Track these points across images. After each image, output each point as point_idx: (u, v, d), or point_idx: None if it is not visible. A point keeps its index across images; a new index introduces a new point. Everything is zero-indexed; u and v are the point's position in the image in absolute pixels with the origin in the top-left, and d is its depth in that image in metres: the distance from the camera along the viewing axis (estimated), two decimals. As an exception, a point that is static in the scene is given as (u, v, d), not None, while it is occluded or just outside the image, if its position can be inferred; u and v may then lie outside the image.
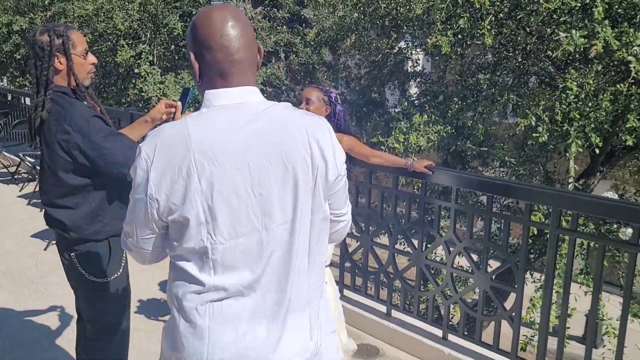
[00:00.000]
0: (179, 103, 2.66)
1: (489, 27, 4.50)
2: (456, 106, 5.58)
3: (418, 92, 9.43)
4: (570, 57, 5.67)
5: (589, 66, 5.39)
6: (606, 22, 4.43)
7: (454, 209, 3.41)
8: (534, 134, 5.08)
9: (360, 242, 4.02)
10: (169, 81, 10.01)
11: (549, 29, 4.75)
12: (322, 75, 12.07)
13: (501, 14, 4.67)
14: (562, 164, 7.63)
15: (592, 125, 5.31)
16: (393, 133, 5.37)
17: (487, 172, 7.05)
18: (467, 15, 4.85)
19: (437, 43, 4.70)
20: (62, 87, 2.25)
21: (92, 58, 2.32)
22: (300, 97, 3.26)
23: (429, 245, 3.85)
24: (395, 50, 9.61)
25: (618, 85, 5.47)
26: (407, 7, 6.49)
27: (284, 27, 10.57)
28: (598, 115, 5.29)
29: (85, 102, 2.30)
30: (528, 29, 5.52)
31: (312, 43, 10.45)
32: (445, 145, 5.59)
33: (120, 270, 2.43)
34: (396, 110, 9.70)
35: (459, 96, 5.73)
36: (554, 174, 7.09)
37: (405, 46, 9.71)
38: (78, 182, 2.24)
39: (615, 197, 8.46)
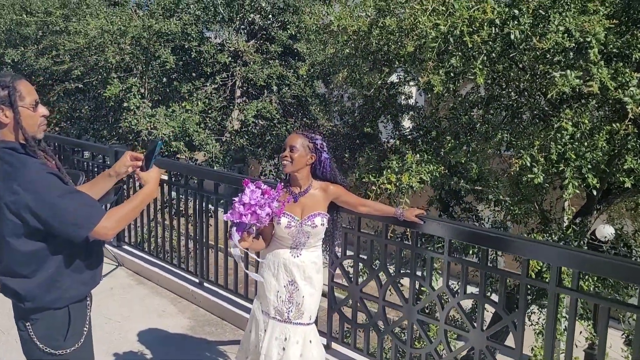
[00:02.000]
0: (146, 155, 2.49)
1: (480, 67, 4.39)
2: (449, 144, 5.44)
3: (411, 127, 9.34)
4: (565, 95, 5.57)
5: (584, 105, 5.28)
6: (601, 62, 4.33)
7: (447, 261, 3.22)
8: (529, 175, 4.92)
9: (349, 292, 3.82)
10: (159, 114, 9.89)
11: (542, 67, 4.64)
12: (315, 108, 11.99)
13: (493, 53, 4.57)
14: (558, 201, 7.49)
15: (589, 166, 5.16)
16: (385, 173, 5.21)
17: (482, 208, 6.88)
18: (459, 53, 4.74)
19: (430, 81, 4.58)
20: (9, 143, 2.06)
21: (42, 110, 2.13)
22: (283, 144, 3.10)
23: (421, 297, 3.64)
24: (387, 85, 9.56)
25: (613, 125, 5.36)
26: (399, 44, 6.40)
27: (277, 60, 10.52)
28: (595, 155, 5.15)
29: (37, 159, 2.11)
30: (521, 65, 5.42)
31: (304, 76, 10.40)
32: (438, 185, 5.42)
33: (82, 340, 2.22)
34: (389, 144, 9.59)
35: (452, 133, 5.60)
36: (550, 213, 6.93)
37: (397, 80, 9.66)
38: (31, 247, 2.04)
39: (612, 230, 8.29)
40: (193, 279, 5.19)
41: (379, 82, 9.35)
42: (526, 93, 5.45)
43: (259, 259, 3.16)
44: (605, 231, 8.21)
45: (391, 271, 3.58)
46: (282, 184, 3.14)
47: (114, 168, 2.55)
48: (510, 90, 5.50)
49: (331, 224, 3.21)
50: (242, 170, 11.77)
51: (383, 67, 8.85)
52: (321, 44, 8.38)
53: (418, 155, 5.35)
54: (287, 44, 10.54)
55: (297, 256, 3.13)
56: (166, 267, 5.53)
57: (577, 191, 5.24)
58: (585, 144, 5.11)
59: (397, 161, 5.29)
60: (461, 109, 5.83)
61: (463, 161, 5.36)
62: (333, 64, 8.03)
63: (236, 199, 2.95)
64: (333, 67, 8.12)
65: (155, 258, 5.63)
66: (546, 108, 5.45)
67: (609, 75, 4.24)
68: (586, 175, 5.18)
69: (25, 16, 11.78)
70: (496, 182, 6.04)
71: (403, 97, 9.54)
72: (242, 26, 11.35)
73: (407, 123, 11.01)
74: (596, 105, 5.49)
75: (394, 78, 9.69)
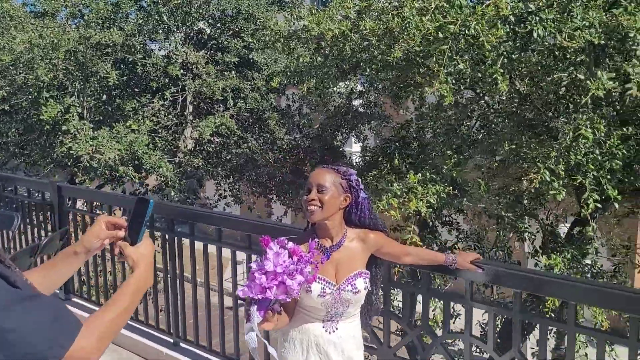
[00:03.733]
0: (130, 220, 1.68)
1: (501, 71, 3.76)
2: (451, 159, 4.80)
3: (382, 139, 8.73)
4: (569, 99, 5.06)
5: (598, 109, 4.78)
6: (635, 61, 3.80)
7: (519, 320, 2.53)
8: (551, 191, 4.35)
9: (378, 356, 3.06)
10: (102, 136, 8.80)
11: (562, 68, 4.07)
12: (273, 122, 11.19)
13: (513, 55, 3.96)
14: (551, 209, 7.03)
15: (608, 176, 4.66)
16: (385, 197, 4.50)
17: (460, 219, 6.29)
18: (468, 57, 4.11)
19: (439, 91, 3.91)
20: None
21: None
22: (307, 184, 2.32)
23: None
24: (356, 94, 8.92)
25: (624, 129, 4.90)
26: (383, 49, 5.74)
27: (233, 72, 9.65)
28: (614, 164, 4.65)
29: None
30: (525, 71, 4.86)
31: (262, 88, 9.60)
32: (444, 205, 4.78)
33: None
34: (366, 157, 8.92)
35: (451, 147, 4.98)
36: (551, 226, 6.43)
37: (363, 89, 9.04)
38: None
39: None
40: (166, 338, 4.27)
41: (347, 91, 8.73)
42: (527, 100, 4.90)
43: (272, 351, 2.24)
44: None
45: (438, 332, 2.85)
46: (308, 236, 2.36)
47: (82, 242, 1.71)
48: (514, 97, 4.92)
49: (372, 284, 2.45)
50: (197, 193, 10.77)
51: (352, 75, 8.21)
52: (285, 53, 7.62)
53: (420, 174, 4.66)
54: (242, 53, 9.69)
55: (333, 331, 2.35)
56: (130, 324, 4.56)
57: (599, 205, 4.73)
58: (599, 152, 4.61)
59: (397, 184, 4.58)
60: (460, 120, 5.21)
61: (468, 181, 4.74)
62: (301, 73, 7.29)
63: (254, 265, 2.14)
64: (300, 77, 7.36)
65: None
66: (552, 115, 4.91)
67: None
68: (605, 187, 4.68)
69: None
70: (497, 198, 5.46)
71: (372, 107, 8.90)
72: (190, 36, 10.41)
73: (372, 135, 10.42)
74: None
75: (358, 87, 9.08)
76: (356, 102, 8.81)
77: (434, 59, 4.08)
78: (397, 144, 7.44)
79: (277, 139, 11.25)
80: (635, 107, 4.96)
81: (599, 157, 4.45)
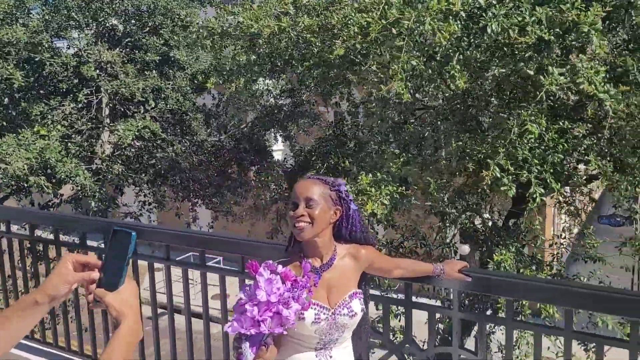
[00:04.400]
0: (106, 258, 1.38)
1: (458, 68, 3.68)
2: (400, 159, 4.69)
3: (316, 139, 8.54)
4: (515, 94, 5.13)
5: (539, 104, 4.86)
6: (582, 56, 3.86)
7: (510, 329, 2.42)
8: (502, 188, 4.35)
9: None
10: (8, 144, 7.96)
11: (512, 64, 4.06)
12: (196, 123, 10.68)
13: (468, 51, 3.89)
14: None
15: (551, 170, 4.75)
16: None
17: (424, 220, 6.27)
18: (421, 55, 4.00)
19: (396, 90, 3.76)
20: None
21: None
22: (293, 198, 2.06)
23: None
24: (286, 93, 8.68)
25: (560, 123, 5.03)
26: (321, 47, 5.55)
27: (154, 71, 9.05)
28: (556, 158, 4.75)
29: None
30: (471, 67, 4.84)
31: (185, 88, 9.10)
32: (395, 205, 4.66)
33: None
34: (291, 162, 8.69)
35: (398, 145, 4.88)
36: (486, 212, 6.53)
37: (293, 87, 8.80)
38: None
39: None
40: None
41: (277, 89, 8.47)
42: (481, 96, 4.90)
43: None
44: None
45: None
46: (295, 256, 2.10)
47: (45, 289, 1.39)
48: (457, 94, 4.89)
49: (365, 304, 2.23)
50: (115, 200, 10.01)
51: (283, 73, 7.96)
52: (213, 51, 7.23)
53: (370, 175, 4.51)
54: (162, 52, 9.11)
55: (327, 359, 2.12)
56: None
57: (544, 199, 4.82)
58: (545, 146, 4.70)
59: (349, 185, 4.40)
60: (404, 118, 5.12)
61: (417, 179, 4.65)
62: (231, 72, 6.92)
63: (243, 296, 1.86)
64: (230, 75, 7.00)
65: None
66: (494, 111, 4.94)
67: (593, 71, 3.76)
68: (549, 180, 4.77)
69: None
70: (441, 195, 5.44)
71: (303, 105, 8.68)
72: (102, 33, 9.67)
73: (301, 134, 10.21)
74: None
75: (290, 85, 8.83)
76: (287, 101, 8.56)
77: (388, 56, 3.93)
78: (332, 142, 7.29)
79: (202, 140, 10.77)
80: (567, 103, 5.11)
81: (544, 152, 4.52)
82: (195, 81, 9.31)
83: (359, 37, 5.11)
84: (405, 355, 2.63)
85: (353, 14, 4.92)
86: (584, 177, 5.80)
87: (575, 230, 8.48)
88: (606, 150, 5.00)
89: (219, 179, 11.18)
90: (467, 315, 2.61)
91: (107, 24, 9.77)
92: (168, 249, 2.97)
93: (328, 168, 7.41)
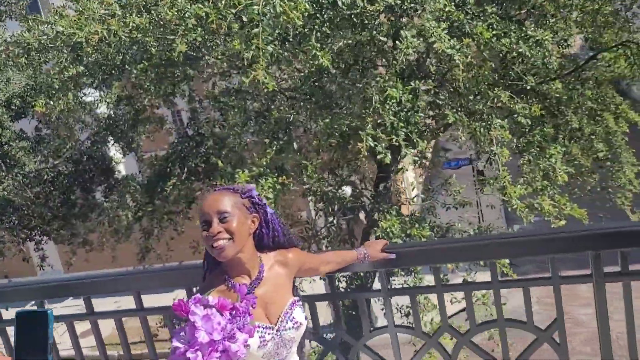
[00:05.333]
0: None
1: (318, 45, 3.58)
2: (273, 148, 4.52)
3: (170, 144, 8.00)
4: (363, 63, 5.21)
5: (391, 68, 4.99)
6: (427, 16, 3.98)
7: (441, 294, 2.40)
8: (379, 156, 4.40)
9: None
10: None
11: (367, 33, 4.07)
12: (22, 153, 9.43)
13: (324, 27, 3.79)
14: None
15: (415, 130, 4.93)
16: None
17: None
18: (274, 39, 3.82)
19: (259, 78, 3.55)
20: None
21: None
22: (203, 216, 1.79)
23: None
24: (123, 101, 7.97)
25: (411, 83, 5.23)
26: (156, 45, 5.13)
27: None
28: (416, 118, 4.94)
29: None
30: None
31: (6, 116, 7.95)
32: (276, 195, 4.50)
33: None
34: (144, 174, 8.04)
35: (267, 134, 4.69)
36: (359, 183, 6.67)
37: (131, 94, 8.13)
38: None
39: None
40: None
41: (113, 99, 7.79)
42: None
43: None
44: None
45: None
46: (218, 279, 1.84)
47: None
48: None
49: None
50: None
51: (116, 80, 7.30)
52: (29, 68, 6.37)
53: (247, 170, 4.29)
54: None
55: (278, 380, 1.91)
56: None
57: (416, 159, 4.99)
58: (407, 108, 4.84)
59: (224, 179, 4.10)
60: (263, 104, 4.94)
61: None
62: (57, 89, 6.13)
63: (180, 343, 1.57)
64: (57, 92, 6.21)
65: None
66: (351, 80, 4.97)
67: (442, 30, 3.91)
68: (416, 141, 4.95)
69: None
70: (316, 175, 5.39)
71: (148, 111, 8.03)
72: None
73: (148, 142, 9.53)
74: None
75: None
76: (126, 109, 7.85)
77: (239, 45, 3.69)
78: (187, 144, 6.87)
79: (34, 170, 9.58)
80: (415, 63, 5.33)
81: (406, 114, 4.66)
82: (13, 107, 8.16)
83: (199, 29, 4.82)
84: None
85: (189, 6, 4.60)
86: (440, 130, 6.14)
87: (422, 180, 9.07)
88: (456, 102, 5.31)
89: (64, 209, 10.07)
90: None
91: None
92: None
93: (190, 172, 7.00)
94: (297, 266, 2.02)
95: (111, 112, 7.46)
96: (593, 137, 6.60)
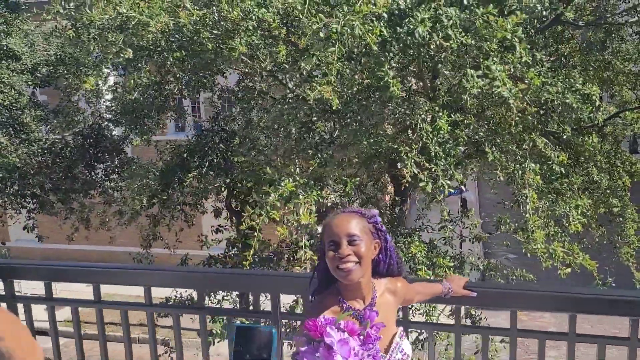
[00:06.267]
0: None
1: (391, 74, 3.67)
2: (316, 160, 4.59)
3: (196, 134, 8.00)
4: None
5: (437, 99, 5.12)
6: (494, 59, 4.10)
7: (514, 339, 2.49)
8: (420, 183, 4.50)
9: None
10: None
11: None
12: (30, 119, 9.35)
13: (398, 56, 3.88)
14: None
15: (455, 162, 5.05)
16: (265, 210, 4.04)
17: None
18: (341, 56, 3.90)
19: (324, 95, 3.61)
20: None
21: None
22: (331, 236, 1.84)
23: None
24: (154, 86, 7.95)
25: (452, 115, 5.34)
26: (218, 42, 5.18)
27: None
28: (456, 151, 5.05)
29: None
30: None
31: (30, 83, 7.88)
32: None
33: None
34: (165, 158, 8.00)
35: (311, 146, 4.75)
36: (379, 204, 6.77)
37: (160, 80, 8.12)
38: None
39: None
40: None
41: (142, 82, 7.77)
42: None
43: None
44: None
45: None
46: (332, 299, 1.89)
47: None
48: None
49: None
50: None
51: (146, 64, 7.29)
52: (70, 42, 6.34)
53: (291, 179, 4.34)
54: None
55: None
56: None
57: (452, 190, 5.09)
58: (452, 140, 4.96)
59: (274, 194, 4.13)
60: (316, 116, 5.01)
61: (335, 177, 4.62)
62: (95, 67, 6.11)
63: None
64: (94, 69, 6.19)
65: None
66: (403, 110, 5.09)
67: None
68: (453, 173, 5.06)
69: None
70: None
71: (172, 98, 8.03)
72: None
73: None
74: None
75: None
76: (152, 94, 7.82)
77: (315, 60, 3.76)
78: (214, 138, 6.90)
79: (39, 139, 9.50)
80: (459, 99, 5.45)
81: (451, 146, 4.76)
82: (38, 74, 8.09)
83: (258, 31, 4.89)
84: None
85: (256, 9, 4.64)
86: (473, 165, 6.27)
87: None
88: (493, 140, 5.44)
89: (66, 182, 9.98)
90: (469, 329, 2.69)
91: None
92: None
93: (211, 166, 7.03)
94: (403, 296, 2.07)
95: (139, 96, 7.43)
96: (609, 191, 6.79)
